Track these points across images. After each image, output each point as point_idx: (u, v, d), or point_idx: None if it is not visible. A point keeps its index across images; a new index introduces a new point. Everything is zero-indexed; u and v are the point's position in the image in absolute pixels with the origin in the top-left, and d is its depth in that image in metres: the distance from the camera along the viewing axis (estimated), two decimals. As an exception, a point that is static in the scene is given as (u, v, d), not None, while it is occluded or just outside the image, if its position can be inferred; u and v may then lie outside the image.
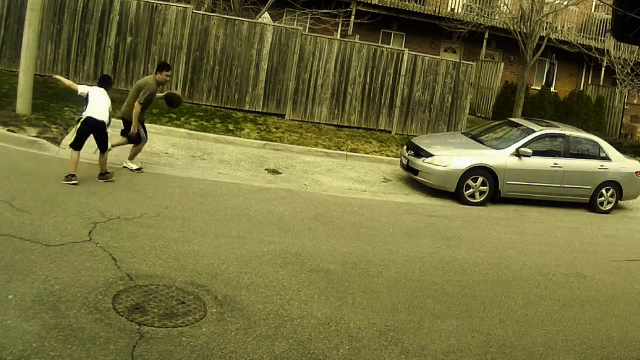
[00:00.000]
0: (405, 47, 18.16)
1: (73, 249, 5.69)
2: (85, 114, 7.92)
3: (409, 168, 11.07)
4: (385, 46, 15.84)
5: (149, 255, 5.87)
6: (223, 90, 13.83)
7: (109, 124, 8.11)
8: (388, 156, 13.04)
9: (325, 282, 6.06)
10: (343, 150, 12.81)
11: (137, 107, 8.65)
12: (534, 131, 11.44)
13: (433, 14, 20.88)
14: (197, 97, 13.69)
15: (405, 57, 14.77)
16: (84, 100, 8.08)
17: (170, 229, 6.67)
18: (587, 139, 12.09)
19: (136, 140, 8.84)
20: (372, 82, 14.64)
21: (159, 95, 9.22)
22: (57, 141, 9.36)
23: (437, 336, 5.36)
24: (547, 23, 18.49)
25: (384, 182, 11.14)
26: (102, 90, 8.21)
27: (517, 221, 10.29)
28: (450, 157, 10.74)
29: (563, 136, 11.63)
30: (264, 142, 12.13)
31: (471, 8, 21.05)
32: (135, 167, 8.92)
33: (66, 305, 4.66)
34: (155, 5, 13.30)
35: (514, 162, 10.95)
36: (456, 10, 21.44)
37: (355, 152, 12.84)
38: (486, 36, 21.35)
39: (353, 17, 19.44)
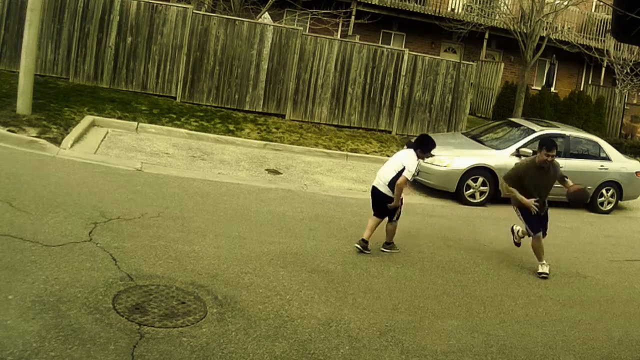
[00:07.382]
0: (405, 47, 18.15)
1: (73, 249, 5.68)
2: None
3: (409, 168, 11.06)
4: (385, 46, 15.85)
5: (149, 255, 5.87)
6: (223, 90, 13.83)
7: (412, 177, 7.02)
8: (388, 156, 12.95)
9: (325, 282, 6.06)
10: (343, 150, 12.80)
11: (503, 184, 7.69)
12: (534, 131, 11.44)
13: (433, 14, 20.88)
14: (197, 97, 13.69)
15: (405, 57, 14.77)
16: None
17: (170, 229, 6.66)
18: (587, 139, 12.09)
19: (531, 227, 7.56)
20: (372, 82, 14.64)
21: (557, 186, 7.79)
22: (57, 141, 9.35)
23: (437, 336, 5.36)
24: (547, 23, 18.50)
25: (384, 182, 11.13)
26: (404, 151, 7.22)
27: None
28: (450, 157, 10.74)
29: (563, 136, 11.62)
30: (264, 142, 12.13)
31: (471, 8, 21.05)
32: (543, 270, 7.48)
33: (66, 305, 4.66)
34: (155, 5, 13.30)
35: (514, 162, 10.92)
36: (456, 10, 21.43)
37: (355, 152, 12.83)
38: (486, 36, 21.35)
39: (353, 17, 19.44)
